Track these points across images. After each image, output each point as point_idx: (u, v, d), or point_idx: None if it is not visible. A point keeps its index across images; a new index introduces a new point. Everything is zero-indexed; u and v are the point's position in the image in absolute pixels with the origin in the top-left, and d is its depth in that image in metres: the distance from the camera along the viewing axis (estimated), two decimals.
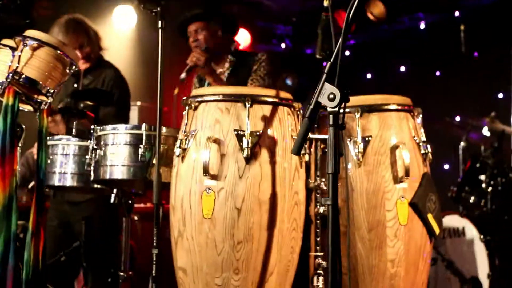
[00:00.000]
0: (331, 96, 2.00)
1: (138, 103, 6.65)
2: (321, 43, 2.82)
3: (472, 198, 4.75)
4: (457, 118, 5.89)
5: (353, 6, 2.03)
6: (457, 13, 7.12)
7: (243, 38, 8.24)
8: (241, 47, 8.13)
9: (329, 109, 2.00)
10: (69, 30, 4.06)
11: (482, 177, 4.71)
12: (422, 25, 7.46)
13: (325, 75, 2.03)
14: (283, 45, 8.70)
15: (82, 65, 4.11)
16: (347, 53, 7.41)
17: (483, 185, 4.69)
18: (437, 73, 7.27)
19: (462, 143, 5.17)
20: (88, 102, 3.53)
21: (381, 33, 7.62)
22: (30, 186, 5.10)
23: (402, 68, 7.73)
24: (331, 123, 2.00)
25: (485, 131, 5.19)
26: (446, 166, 6.71)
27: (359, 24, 7.22)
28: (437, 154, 3.10)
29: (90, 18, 4.39)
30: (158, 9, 3.06)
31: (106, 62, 4.27)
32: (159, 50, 3.04)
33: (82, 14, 4.34)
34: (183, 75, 3.73)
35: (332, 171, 1.98)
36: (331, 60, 2.03)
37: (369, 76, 7.93)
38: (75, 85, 4.09)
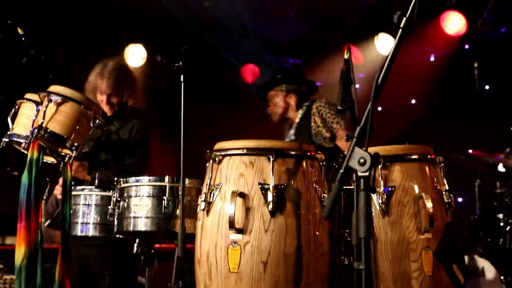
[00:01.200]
0: (362, 160, 2.02)
1: None
2: (342, 94, 2.85)
3: (490, 237, 4.73)
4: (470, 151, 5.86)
5: (382, 73, 2.06)
6: (466, 46, 7.16)
7: (251, 71, 8.31)
8: (249, 81, 8.25)
9: (359, 174, 2.02)
10: (118, 74, 4.00)
11: (500, 215, 4.70)
12: (432, 58, 7.50)
13: (355, 139, 2.05)
14: None
15: (109, 111, 4.00)
16: (357, 85, 7.43)
17: (501, 223, 4.68)
18: (449, 106, 7.27)
19: (477, 181, 5.16)
20: (111, 154, 3.54)
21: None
22: (46, 224, 5.08)
23: (413, 101, 7.75)
24: (361, 187, 2.02)
25: (500, 168, 5.18)
26: (460, 199, 6.69)
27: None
28: (450, 187, 3.09)
29: (102, 57, 4.29)
30: (181, 63, 3.11)
31: (135, 110, 4.12)
32: (181, 106, 3.07)
33: (93, 52, 4.24)
34: None
35: (364, 235, 2.00)
36: (360, 125, 2.06)
37: (379, 108, 7.94)
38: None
